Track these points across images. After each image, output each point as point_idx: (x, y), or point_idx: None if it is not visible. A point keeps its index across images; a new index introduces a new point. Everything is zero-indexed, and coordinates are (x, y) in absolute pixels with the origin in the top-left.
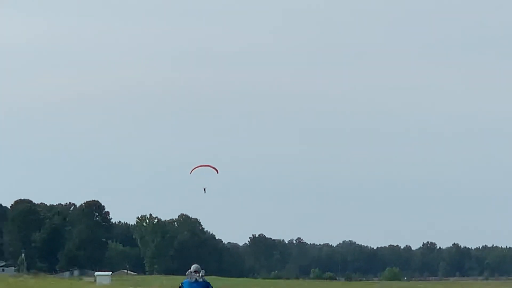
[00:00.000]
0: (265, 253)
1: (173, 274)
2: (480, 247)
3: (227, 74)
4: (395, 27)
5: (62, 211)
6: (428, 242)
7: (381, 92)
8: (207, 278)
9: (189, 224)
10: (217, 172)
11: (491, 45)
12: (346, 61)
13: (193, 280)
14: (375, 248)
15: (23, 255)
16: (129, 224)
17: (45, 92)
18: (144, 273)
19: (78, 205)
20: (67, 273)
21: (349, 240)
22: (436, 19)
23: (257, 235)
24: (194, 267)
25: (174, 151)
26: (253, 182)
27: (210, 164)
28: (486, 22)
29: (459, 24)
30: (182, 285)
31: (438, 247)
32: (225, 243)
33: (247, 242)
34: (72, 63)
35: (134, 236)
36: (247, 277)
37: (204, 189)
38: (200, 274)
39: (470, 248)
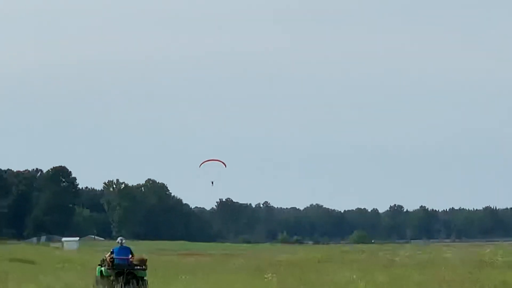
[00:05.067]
0: (233, 217)
1: (141, 239)
2: (447, 210)
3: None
4: None
5: (29, 177)
6: (395, 205)
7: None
8: (175, 242)
9: (156, 189)
10: (225, 166)
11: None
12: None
13: (120, 245)
14: (342, 211)
15: None
16: (96, 190)
17: (8, 60)
18: (111, 238)
19: (45, 171)
20: (35, 239)
21: (316, 204)
22: None
23: (224, 200)
24: (120, 238)
25: (139, 115)
26: (218, 147)
27: (218, 159)
28: None
29: None
30: (113, 250)
31: (405, 210)
32: (192, 207)
33: (214, 207)
34: (38, 30)
35: (101, 202)
36: (215, 241)
37: (212, 182)
38: (124, 242)
39: (437, 210)
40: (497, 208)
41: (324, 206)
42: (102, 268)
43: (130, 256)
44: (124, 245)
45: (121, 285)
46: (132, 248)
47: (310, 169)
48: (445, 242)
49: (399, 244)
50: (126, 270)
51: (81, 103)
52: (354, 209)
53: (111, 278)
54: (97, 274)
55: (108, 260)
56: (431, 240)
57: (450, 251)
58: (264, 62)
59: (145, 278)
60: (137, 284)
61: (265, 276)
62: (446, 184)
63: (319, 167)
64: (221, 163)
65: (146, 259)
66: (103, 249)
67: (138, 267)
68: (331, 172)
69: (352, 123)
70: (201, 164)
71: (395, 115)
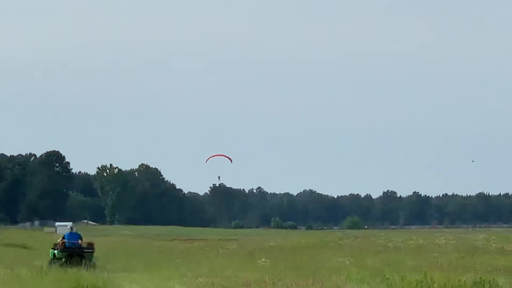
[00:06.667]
0: (226, 202)
1: (134, 224)
2: (441, 196)
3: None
4: None
5: (23, 162)
6: (388, 190)
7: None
8: (168, 228)
9: (149, 174)
10: (231, 162)
11: None
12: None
13: (71, 231)
14: (335, 197)
15: None
16: (89, 174)
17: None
18: (105, 223)
19: (38, 155)
20: (28, 224)
21: (309, 189)
22: None
23: (217, 185)
24: (70, 225)
25: (133, 101)
26: (211, 132)
27: (225, 154)
28: None
29: None
30: (64, 236)
31: (398, 196)
32: (186, 192)
33: (208, 192)
34: (31, 17)
35: (94, 186)
36: (208, 226)
37: (219, 177)
38: (74, 229)
39: (430, 196)
40: (490, 194)
41: (317, 192)
42: (55, 251)
43: (80, 240)
44: (74, 231)
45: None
46: (82, 233)
47: (303, 154)
48: (438, 227)
49: (392, 230)
50: (76, 252)
51: (75, 88)
52: (347, 195)
53: (63, 259)
54: (50, 256)
55: (60, 244)
56: (424, 226)
57: (443, 237)
58: (251, 49)
59: (93, 260)
60: (86, 264)
61: (258, 261)
62: (439, 170)
63: (312, 152)
64: (227, 158)
65: (94, 243)
66: (97, 234)
67: (87, 250)
68: (324, 157)
69: (345, 108)
70: (207, 160)
71: (389, 101)
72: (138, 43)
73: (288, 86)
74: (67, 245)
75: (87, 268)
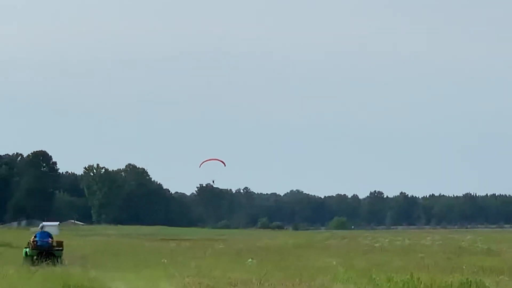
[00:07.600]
0: (213, 202)
1: (121, 224)
2: (428, 196)
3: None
4: None
5: (10, 162)
6: (375, 191)
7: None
8: (155, 227)
9: (136, 174)
10: (224, 165)
11: None
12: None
13: (41, 230)
14: (322, 197)
15: None
16: (76, 174)
17: None
18: (92, 223)
19: (25, 155)
20: (15, 223)
21: (296, 190)
22: None
23: (204, 185)
24: (41, 224)
25: (120, 101)
26: (198, 131)
27: (218, 158)
28: None
29: None
30: (35, 235)
31: (385, 196)
32: (173, 192)
33: (195, 192)
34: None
35: (81, 186)
36: (195, 226)
37: (213, 181)
38: (44, 228)
39: (417, 197)
40: (477, 195)
41: (304, 192)
42: (27, 249)
43: (50, 239)
44: (45, 230)
45: (44, 262)
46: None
47: (290, 154)
48: (425, 228)
49: (379, 230)
50: (47, 250)
51: (62, 88)
52: (334, 195)
53: (34, 257)
54: (23, 255)
55: (32, 242)
56: (411, 226)
57: (429, 237)
58: (242, 48)
59: (62, 257)
60: (55, 261)
61: (245, 261)
62: (426, 170)
63: (299, 152)
64: (221, 162)
65: (63, 242)
66: (85, 234)
67: (56, 248)
68: (311, 158)
69: (333, 109)
70: (201, 164)
71: (376, 102)
72: (125, 44)
73: (275, 86)
74: (38, 243)
75: (56, 265)
